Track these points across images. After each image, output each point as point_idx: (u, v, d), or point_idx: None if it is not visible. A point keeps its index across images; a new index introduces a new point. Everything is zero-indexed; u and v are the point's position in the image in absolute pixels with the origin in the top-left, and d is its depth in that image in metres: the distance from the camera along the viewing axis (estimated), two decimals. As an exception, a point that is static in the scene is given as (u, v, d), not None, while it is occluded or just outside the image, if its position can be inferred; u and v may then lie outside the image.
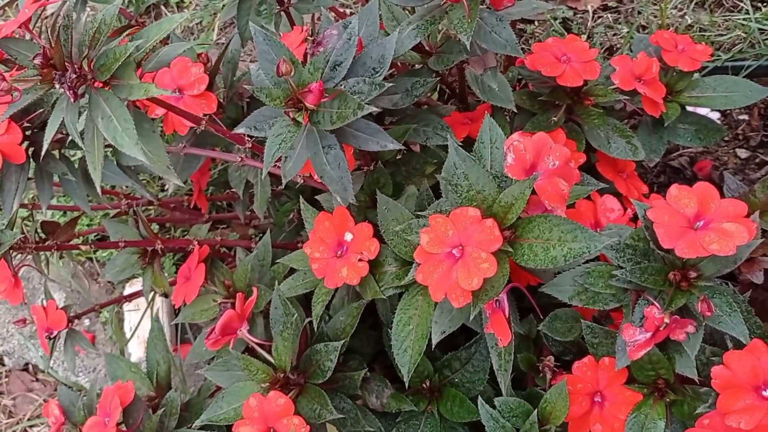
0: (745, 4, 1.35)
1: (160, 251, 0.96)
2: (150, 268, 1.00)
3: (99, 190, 0.70)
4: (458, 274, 0.65)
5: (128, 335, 1.29)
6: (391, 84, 0.65)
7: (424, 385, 0.84)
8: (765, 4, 1.34)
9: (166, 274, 1.35)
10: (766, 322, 1.15)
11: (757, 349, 0.63)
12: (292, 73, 0.65)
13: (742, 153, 1.29)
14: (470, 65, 0.87)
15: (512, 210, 0.67)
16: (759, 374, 0.62)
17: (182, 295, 0.92)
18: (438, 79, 0.88)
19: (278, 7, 0.93)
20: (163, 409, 0.86)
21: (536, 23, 1.45)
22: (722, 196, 0.67)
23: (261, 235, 1.29)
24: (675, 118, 1.00)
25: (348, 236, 0.78)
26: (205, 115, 0.90)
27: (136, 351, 1.30)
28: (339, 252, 0.78)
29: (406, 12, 0.95)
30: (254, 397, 0.74)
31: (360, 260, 0.77)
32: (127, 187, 1.10)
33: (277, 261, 0.88)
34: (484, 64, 0.86)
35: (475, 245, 0.65)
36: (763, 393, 0.62)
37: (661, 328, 0.64)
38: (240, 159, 0.89)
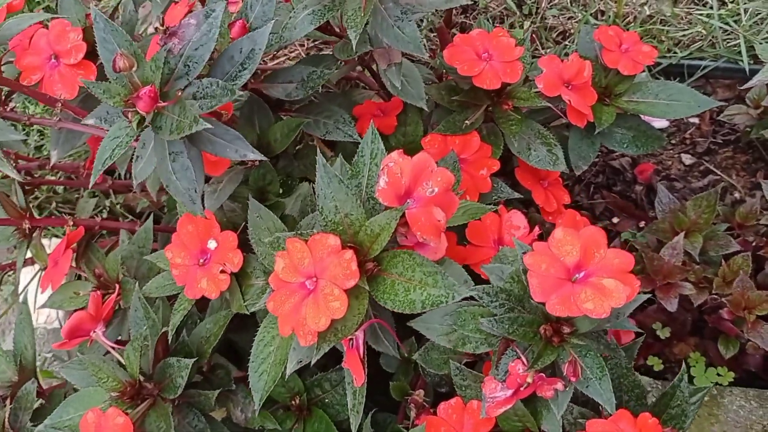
0: (711, -3, 1.26)
1: (31, 229, 0.88)
2: (25, 242, 0.92)
3: None
4: (307, 310, 0.58)
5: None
6: (241, 94, 0.57)
7: (293, 402, 0.79)
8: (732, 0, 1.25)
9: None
10: (682, 342, 1.11)
11: (623, 421, 0.57)
12: (135, 68, 0.57)
13: (687, 159, 1.22)
14: (375, 58, 0.79)
15: (378, 240, 0.60)
16: (621, 447, 0.57)
17: (50, 280, 0.85)
18: (334, 71, 0.79)
19: (173, -30, 0.83)
20: (14, 403, 0.80)
21: (491, -3, 1.35)
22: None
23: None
24: (609, 124, 0.93)
25: (212, 244, 0.71)
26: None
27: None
28: (202, 260, 0.71)
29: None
30: (93, 411, 0.68)
31: (222, 272, 0.70)
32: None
33: (146, 258, 0.80)
34: (388, 58, 0.77)
35: (329, 279, 0.58)
36: (623, 468, 0.57)
37: (522, 388, 0.59)
38: (118, 139, 0.81)
